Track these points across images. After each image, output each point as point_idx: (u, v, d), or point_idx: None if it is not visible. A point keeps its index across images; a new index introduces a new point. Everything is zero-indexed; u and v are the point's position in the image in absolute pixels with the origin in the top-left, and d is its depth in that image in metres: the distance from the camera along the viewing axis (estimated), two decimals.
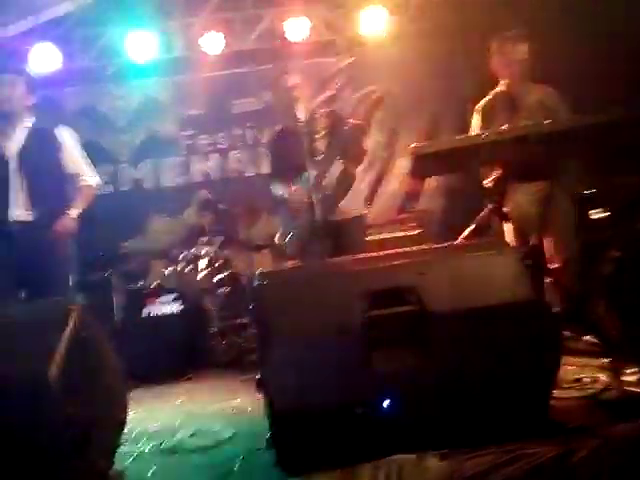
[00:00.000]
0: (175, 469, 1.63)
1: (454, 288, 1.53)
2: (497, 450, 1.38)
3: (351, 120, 3.19)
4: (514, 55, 3.16)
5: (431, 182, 5.83)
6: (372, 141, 6.21)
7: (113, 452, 1.66)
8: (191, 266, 4.20)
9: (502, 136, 2.63)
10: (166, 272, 4.27)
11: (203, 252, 4.33)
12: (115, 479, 1.60)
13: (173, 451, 1.78)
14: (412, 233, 4.50)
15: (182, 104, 6.18)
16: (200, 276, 4.21)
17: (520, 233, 3.13)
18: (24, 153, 2.77)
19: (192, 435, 1.96)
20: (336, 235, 2.98)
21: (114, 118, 6.07)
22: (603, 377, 1.99)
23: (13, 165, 2.74)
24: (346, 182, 3.22)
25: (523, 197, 3.26)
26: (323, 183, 3.09)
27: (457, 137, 2.67)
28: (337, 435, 1.46)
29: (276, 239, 3.18)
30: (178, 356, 3.78)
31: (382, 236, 4.38)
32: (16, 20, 6.04)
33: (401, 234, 4.52)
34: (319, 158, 3.14)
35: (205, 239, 4.73)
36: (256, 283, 1.58)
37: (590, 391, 1.89)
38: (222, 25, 5.81)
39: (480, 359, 1.46)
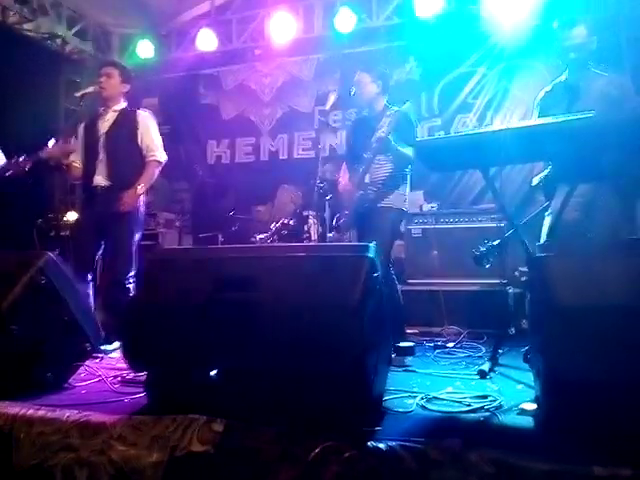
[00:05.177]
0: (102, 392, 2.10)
1: (290, 283, 1.67)
2: (279, 432, 1.51)
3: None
4: (570, 40, 2.80)
5: None
6: None
7: (67, 371, 2.20)
8: (275, 236, 4.63)
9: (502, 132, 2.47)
10: (257, 238, 4.78)
11: (292, 224, 4.72)
12: (60, 390, 2.12)
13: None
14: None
15: (319, 81, 6.57)
16: None
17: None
18: (109, 131, 3.45)
19: None
20: (366, 222, 3.23)
21: (260, 94, 6.74)
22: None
23: (102, 141, 3.44)
24: (390, 182, 3.28)
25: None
26: (366, 179, 3.22)
27: (463, 132, 2.56)
28: (196, 391, 1.75)
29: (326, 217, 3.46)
30: None
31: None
32: (194, 4, 7.02)
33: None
34: (367, 154, 3.24)
35: (312, 213, 5.10)
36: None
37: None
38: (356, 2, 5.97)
39: (295, 354, 1.58)
